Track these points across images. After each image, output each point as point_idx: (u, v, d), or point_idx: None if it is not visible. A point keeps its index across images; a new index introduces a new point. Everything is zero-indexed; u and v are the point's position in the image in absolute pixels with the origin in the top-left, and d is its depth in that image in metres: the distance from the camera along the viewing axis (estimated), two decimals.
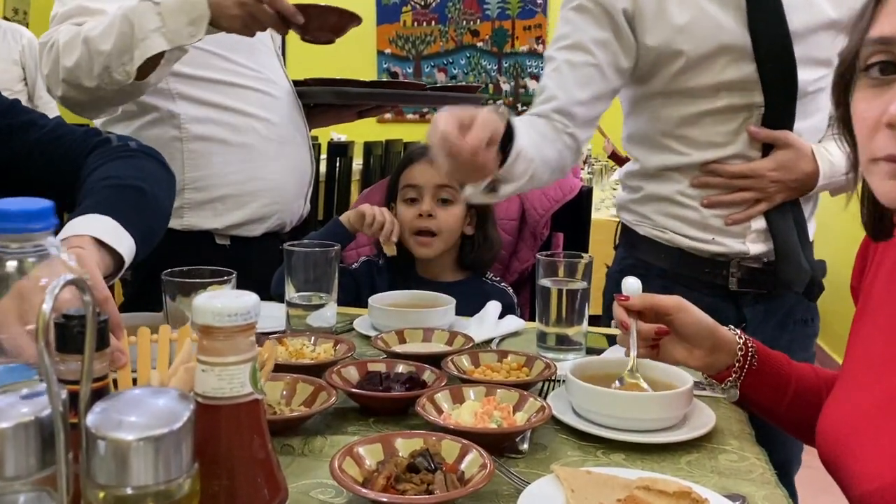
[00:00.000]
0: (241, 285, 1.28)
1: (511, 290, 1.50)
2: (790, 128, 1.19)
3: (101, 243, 0.84)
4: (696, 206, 1.23)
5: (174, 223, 1.42)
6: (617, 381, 0.89)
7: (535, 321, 1.17)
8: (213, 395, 0.44)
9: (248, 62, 1.51)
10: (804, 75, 1.17)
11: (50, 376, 0.39)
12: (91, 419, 0.39)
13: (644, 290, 0.96)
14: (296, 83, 1.68)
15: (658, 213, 1.27)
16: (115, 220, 0.87)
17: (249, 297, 0.45)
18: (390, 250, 1.42)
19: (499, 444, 0.77)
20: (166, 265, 1.05)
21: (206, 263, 1.41)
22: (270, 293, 1.34)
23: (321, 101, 1.74)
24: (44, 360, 0.38)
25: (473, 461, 0.68)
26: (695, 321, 0.92)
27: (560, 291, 1.09)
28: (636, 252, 1.31)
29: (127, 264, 0.88)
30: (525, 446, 0.79)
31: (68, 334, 0.43)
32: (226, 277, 0.92)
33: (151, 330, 0.96)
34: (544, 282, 1.10)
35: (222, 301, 0.44)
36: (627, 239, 1.34)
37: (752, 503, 0.69)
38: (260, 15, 1.27)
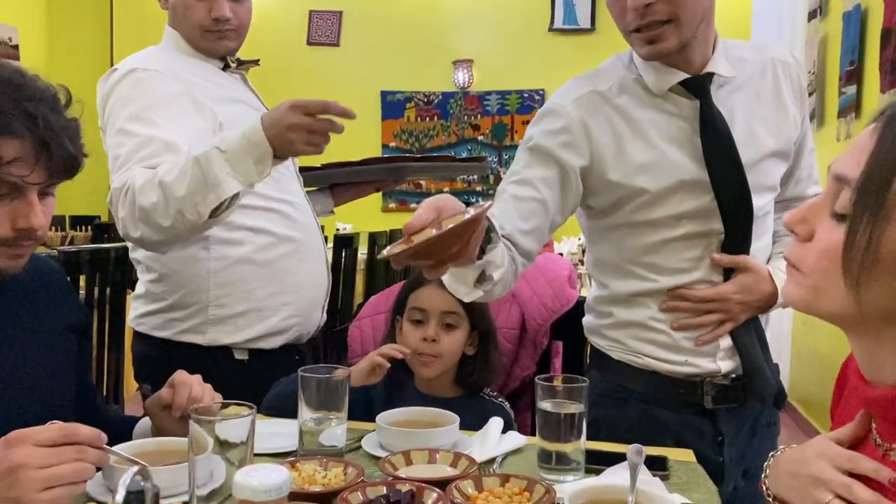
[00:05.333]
0: (260, 396, 1.35)
1: (508, 406, 1.55)
2: (747, 251, 1.29)
3: None
4: (667, 330, 1.31)
5: (197, 339, 1.54)
6: None
7: (535, 435, 1.23)
8: None
9: (275, 187, 1.62)
10: (756, 202, 1.28)
11: None
12: None
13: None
14: (310, 169, 1.79)
15: (631, 338, 1.34)
16: None
17: (280, 474, 0.52)
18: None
19: None
20: None
21: (225, 378, 1.48)
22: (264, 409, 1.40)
23: (338, 181, 1.86)
24: None
25: None
26: None
27: (558, 414, 1.15)
28: (612, 376, 1.36)
29: None
30: None
31: None
32: (247, 412, 0.98)
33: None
34: (544, 405, 1.17)
35: (259, 479, 0.51)
36: (601, 363, 1.40)
37: None
38: (316, 127, 1.32)
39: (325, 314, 1.73)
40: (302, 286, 1.62)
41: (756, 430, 1.38)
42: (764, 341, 1.34)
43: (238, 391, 1.11)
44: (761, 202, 1.29)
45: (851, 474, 0.77)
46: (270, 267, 1.57)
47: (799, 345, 4.20)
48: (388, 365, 1.44)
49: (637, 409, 1.34)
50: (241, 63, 1.69)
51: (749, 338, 1.31)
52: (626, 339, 1.35)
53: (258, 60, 1.80)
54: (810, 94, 4.24)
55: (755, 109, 1.30)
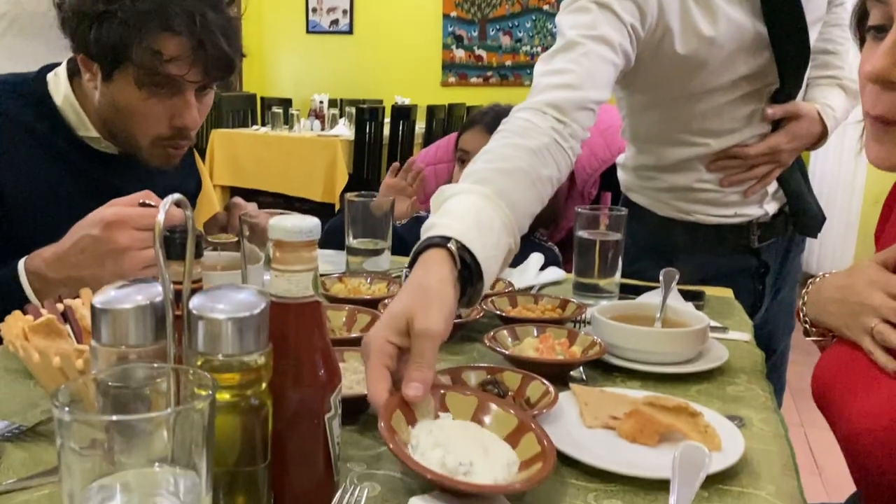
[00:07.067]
0: None
1: (557, 250, 1.58)
2: (796, 95, 1.24)
3: None
4: (715, 188, 1.29)
5: None
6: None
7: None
8: (283, 295, 0.56)
9: None
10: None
11: (163, 270, 0.51)
12: (193, 305, 0.51)
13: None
14: None
15: (679, 200, 1.32)
16: None
17: (311, 220, 0.56)
18: None
19: (562, 375, 0.86)
20: None
21: None
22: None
23: None
24: (159, 258, 0.51)
25: (536, 388, 0.76)
26: None
27: (595, 242, 1.18)
28: (656, 230, 1.34)
29: None
30: (584, 376, 0.88)
31: (172, 245, 0.55)
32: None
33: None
34: (582, 233, 1.19)
35: (292, 222, 0.55)
36: (643, 218, 1.35)
37: (749, 424, 0.78)
38: None
39: None
40: None
41: (789, 253, 1.39)
42: (805, 175, 1.33)
43: None
44: (812, 38, 1.22)
45: None
46: None
47: (865, 231, 4.09)
48: (395, 178, 1.50)
49: (682, 258, 1.33)
50: None
51: (793, 177, 1.30)
52: (672, 201, 1.33)
53: None
54: None
55: None
